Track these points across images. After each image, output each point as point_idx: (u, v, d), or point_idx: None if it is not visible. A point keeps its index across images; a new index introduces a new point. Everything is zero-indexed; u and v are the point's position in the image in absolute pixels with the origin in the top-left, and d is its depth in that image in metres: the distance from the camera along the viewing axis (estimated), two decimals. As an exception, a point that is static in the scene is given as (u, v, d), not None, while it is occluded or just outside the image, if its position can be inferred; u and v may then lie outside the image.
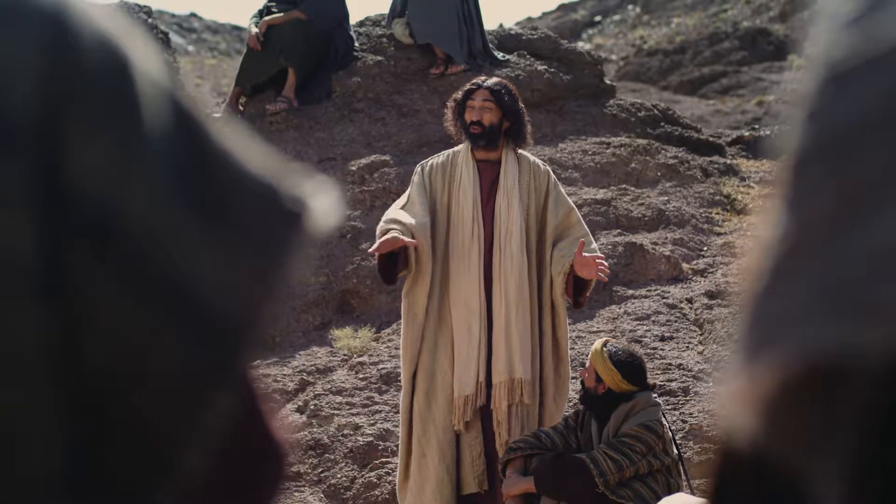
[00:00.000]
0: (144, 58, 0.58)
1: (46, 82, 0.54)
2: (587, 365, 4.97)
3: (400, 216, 5.11)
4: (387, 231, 5.00)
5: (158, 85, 0.58)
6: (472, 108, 5.25)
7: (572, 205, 5.35)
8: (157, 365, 0.54)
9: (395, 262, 5.07)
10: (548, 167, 5.45)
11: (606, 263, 5.00)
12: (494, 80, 5.42)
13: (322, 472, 6.19)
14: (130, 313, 0.54)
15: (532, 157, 5.41)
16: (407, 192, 5.35)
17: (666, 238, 7.83)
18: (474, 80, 5.39)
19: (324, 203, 0.61)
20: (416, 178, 5.30)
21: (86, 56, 0.55)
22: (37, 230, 0.53)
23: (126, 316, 0.54)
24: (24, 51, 0.54)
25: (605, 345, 4.93)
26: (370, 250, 5.03)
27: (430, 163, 5.34)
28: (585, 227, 5.28)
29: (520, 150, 5.34)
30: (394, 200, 5.63)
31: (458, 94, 5.33)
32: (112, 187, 0.54)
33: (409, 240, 4.96)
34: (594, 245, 5.21)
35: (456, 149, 5.37)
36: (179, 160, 0.57)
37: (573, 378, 5.46)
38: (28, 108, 0.53)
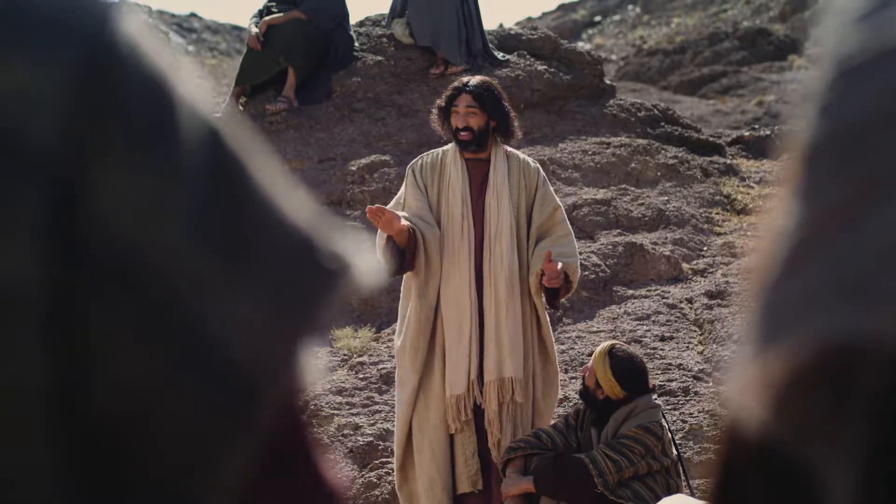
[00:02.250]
0: (190, 93, 0.56)
1: (77, 110, 0.52)
2: (589, 365, 4.94)
3: (411, 215, 5.13)
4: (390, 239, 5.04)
5: (202, 122, 0.56)
6: (456, 114, 5.22)
7: (558, 203, 5.34)
8: (169, 412, 0.52)
9: (403, 254, 5.10)
10: (538, 164, 5.43)
11: (557, 272, 4.97)
12: (476, 81, 5.34)
13: (322, 472, 6.19)
14: (143, 357, 0.52)
15: (522, 155, 5.40)
16: (399, 194, 5.34)
17: (666, 238, 7.83)
18: (455, 84, 5.32)
19: (363, 262, 0.58)
20: (409, 179, 5.29)
21: (124, 89, 0.53)
22: (47, 261, 0.51)
23: (138, 359, 0.52)
24: (58, 74, 0.52)
25: (609, 352, 4.87)
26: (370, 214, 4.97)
27: (419, 162, 5.34)
28: (568, 225, 5.28)
29: (509, 148, 5.34)
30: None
31: (442, 101, 5.31)
32: (137, 224, 0.52)
33: (405, 223, 4.96)
34: (574, 246, 5.20)
35: (445, 148, 5.36)
36: (214, 203, 0.54)
37: (574, 378, 5.45)
38: (53, 135, 0.51)
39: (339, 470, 0.62)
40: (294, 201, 0.58)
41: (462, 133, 5.20)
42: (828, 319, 0.47)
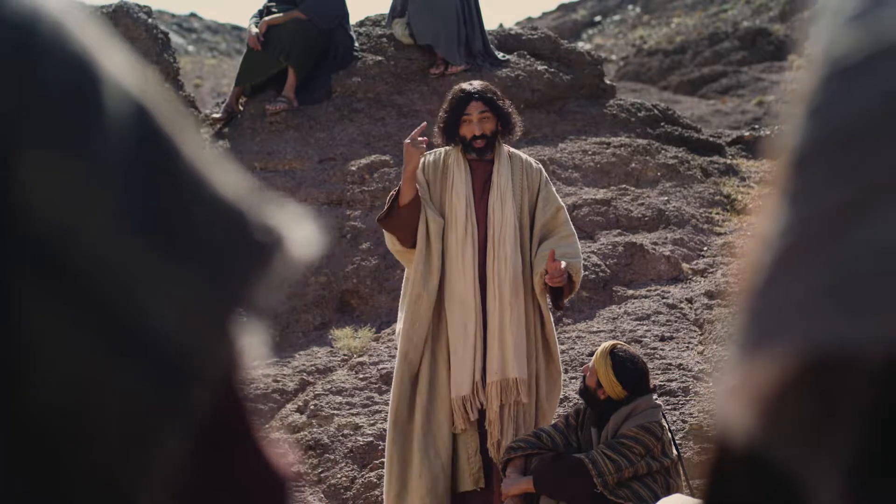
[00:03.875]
0: (118, 74, 0.55)
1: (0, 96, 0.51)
2: (591, 365, 4.94)
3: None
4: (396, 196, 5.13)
5: (130, 103, 0.55)
6: (469, 122, 5.21)
7: (561, 203, 5.34)
8: (104, 401, 0.51)
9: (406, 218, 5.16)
10: (540, 165, 5.44)
11: (561, 272, 4.98)
12: (480, 86, 5.32)
13: (322, 472, 6.19)
14: (77, 346, 0.51)
15: (524, 156, 5.40)
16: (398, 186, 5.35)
17: (666, 238, 7.83)
18: (459, 94, 5.27)
19: (301, 233, 0.57)
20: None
21: (47, 73, 0.52)
22: None
23: (73, 348, 0.51)
24: None
25: (611, 352, 4.87)
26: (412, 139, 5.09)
27: (423, 160, 5.33)
28: (571, 226, 5.28)
29: (512, 149, 5.34)
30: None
31: (449, 111, 5.25)
32: (65, 212, 0.51)
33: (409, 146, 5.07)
34: (577, 246, 5.20)
35: (447, 148, 5.36)
36: (143, 184, 0.53)
37: (574, 378, 5.45)
38: None
39: (285, 452, 0.62)
40: (224, 175, 0.57)
41: (478, 141, 5.20)
42: (819, 326, 0.47)
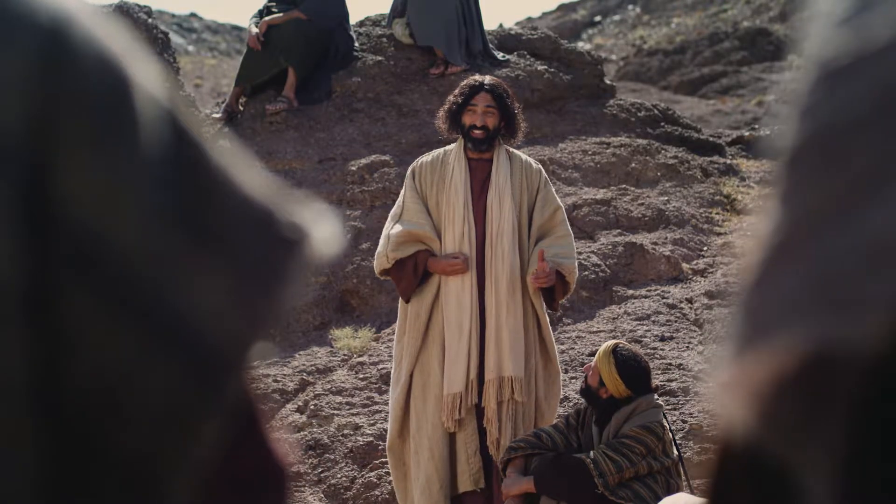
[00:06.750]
0: (146, 77, 0.57)
1: (38, 102, 0.52)
2: (593, 364, 4.94)
3: (417, 233, 5.15)
4: (410, 252, 5.15)
5: (159, 105, 0.56)
6: (473, 112, 5.22)
7: (559, 204, 5.34)
8: (141, 393, 0.53)
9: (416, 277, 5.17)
10: (539, 166, 5.44)
11: (546, 273, 5.01)
12: (493, 80, 5.35)
13: (322, 472, 6.19)
14: (115, 340, 0.52)
15: (524, 156, 5.40)
16: (400, 198, 5.34)
17: (666, 238, 7.83)
18: (472, 83, 5.31)
19: (324, 231, 0.60)
20: (408, 182, 5.30)
21: (83, 76, 0.54)
22: (20, 253, 0.51)
23: (110, 342, 0.52)
24: (17, 69, 0.52)
25: (613, 351, 4.87)
26: (448, 268, 5.15)
27: (419, 163, 5.34)
28: (568, 226, 5.28)
29: (512, 149, 5.35)
30: (394, 200, 5.63)
31: (458, 97, 5.29)
32: (102, 210, 0.53)
33: (460, 262, 5.11)
34: (571, 246, 5.21)
35: (448, 147, 5.36)
36: (175, 184, 0.55)
37: (574, 378, 5.45)
38: (17, 129, 0.52)
39: (286, 445, 0.63)
40: (249, 175, 0.59)
41: (476, 131, 5.21)
42: (806, 325, 0.48)
